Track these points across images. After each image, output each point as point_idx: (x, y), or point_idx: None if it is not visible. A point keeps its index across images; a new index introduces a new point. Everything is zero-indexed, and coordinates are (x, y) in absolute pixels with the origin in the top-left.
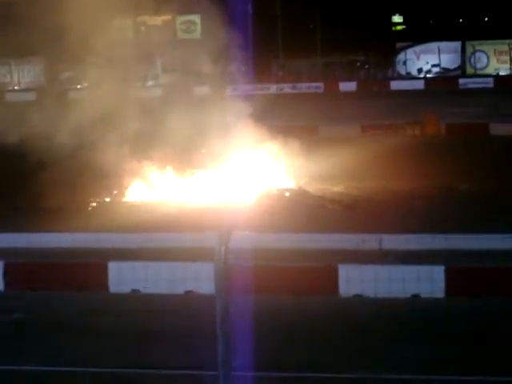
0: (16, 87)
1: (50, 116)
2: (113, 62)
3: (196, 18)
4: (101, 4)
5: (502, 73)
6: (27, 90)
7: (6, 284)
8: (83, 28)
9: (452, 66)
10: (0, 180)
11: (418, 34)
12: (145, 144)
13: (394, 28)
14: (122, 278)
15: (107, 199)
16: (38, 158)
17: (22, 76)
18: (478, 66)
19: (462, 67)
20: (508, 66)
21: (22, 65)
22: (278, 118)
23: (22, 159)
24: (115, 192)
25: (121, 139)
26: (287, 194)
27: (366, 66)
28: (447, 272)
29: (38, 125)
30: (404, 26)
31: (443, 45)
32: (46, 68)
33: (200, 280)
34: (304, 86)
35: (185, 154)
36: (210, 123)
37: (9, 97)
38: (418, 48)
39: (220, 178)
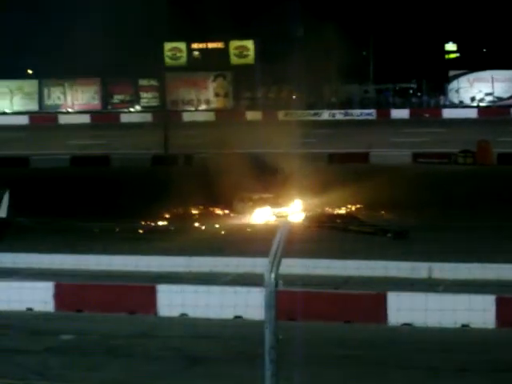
0: (70, 109)
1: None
2: (166, 86)
3: (249, 44)
4: (155, 29)
5: None
6: (81, 112)
7: (56, 305)
8: (138, 52)
9: (505, 95)
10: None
11: (471, 62)
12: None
13: (447, 56)
14: (171, 301)
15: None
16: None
17: (76, 98)
18: None
19: None
20: None
21: (75, 86)
22: (330, 144)
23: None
24: (178, 216)
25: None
26: (338, 220)
27: (419, 94)
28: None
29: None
30: (458, 54)
31: (497, 73)
32: (101, 90)
33: (250, 306)
34: (356, 113)
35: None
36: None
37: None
38: (471, 76)
39: (273, 203)
